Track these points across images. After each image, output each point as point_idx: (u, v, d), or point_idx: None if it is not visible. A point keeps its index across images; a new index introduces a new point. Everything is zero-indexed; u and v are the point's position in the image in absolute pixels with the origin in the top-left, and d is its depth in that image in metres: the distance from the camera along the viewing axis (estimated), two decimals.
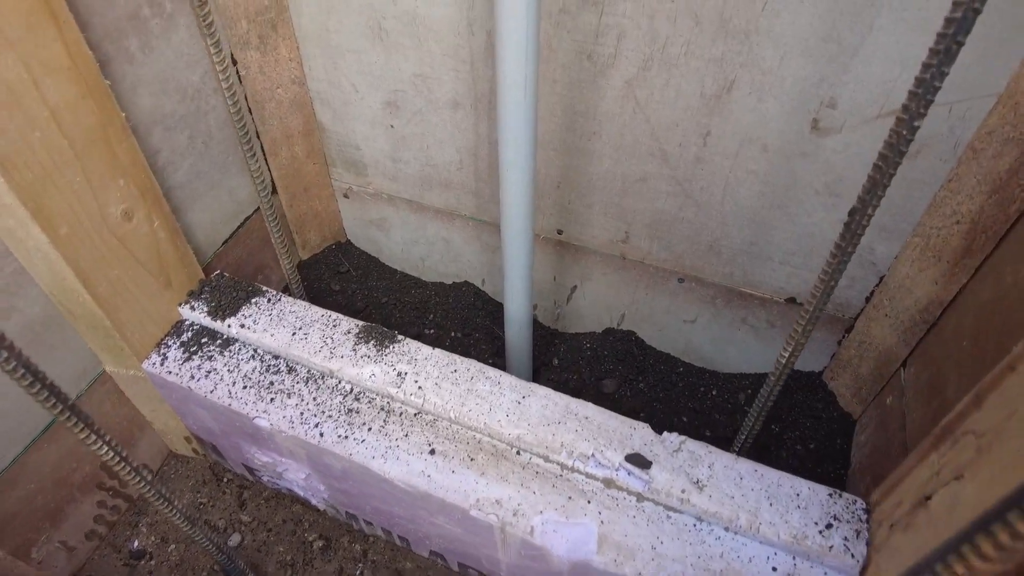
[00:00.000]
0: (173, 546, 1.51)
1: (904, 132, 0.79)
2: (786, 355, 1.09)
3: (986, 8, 0.95)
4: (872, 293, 1.39)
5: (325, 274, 1.93)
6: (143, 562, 1.49)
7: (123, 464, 1.02)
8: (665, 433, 1.18)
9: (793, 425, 1.59)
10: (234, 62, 1.47)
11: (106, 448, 0.97)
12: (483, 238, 1.74)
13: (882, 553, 1.00)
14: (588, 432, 1.17)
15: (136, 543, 1.51)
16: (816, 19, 1.07)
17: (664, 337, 1.75)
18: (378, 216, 1.84)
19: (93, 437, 0.94)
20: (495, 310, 1.89)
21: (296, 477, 1.43)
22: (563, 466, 1.16)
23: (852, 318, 1.46)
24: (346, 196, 1.82)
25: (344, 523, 1.55)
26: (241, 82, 1.50)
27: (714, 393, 1.71)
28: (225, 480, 1.63)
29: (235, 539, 1.53)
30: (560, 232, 1.60)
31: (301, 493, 1.50)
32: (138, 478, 1.04)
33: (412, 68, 1.43)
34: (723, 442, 1.62)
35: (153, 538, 1.52)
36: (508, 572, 1.27)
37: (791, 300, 1.49)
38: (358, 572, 1.48)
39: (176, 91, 1.35)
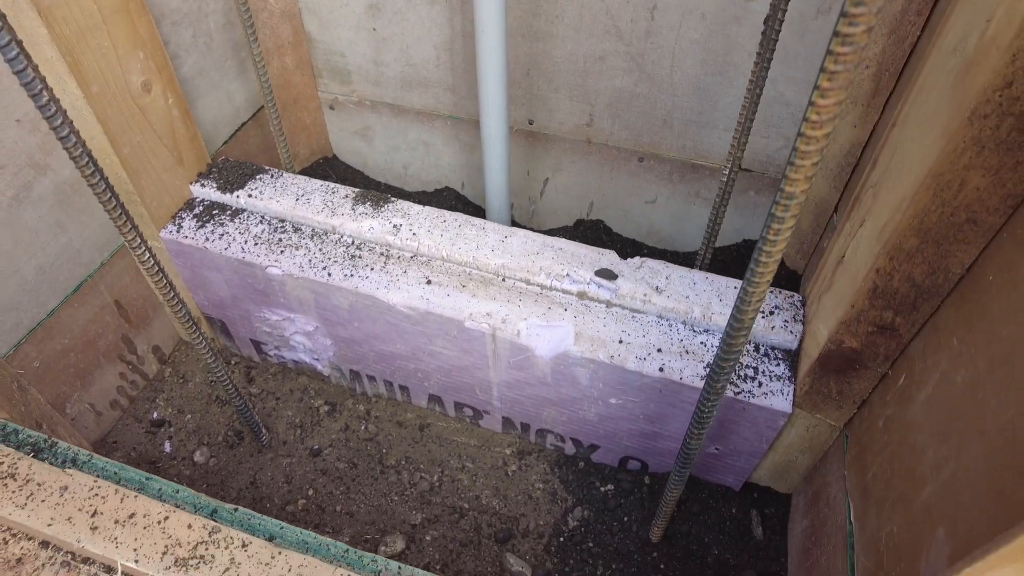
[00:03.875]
0: (189, 415, 1.65)
1: None
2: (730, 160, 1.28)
3: None
4: None
5: None
6: (163, 429, 1.62)
7: (171, 294, 1.18)
8: (629, 258, 1.36)
9: None
10: None
11: (160, 275, 1.14)
12: (461, 137, 1.91)
13: (813, 323, 1.20)
14: (563, 259, 1.35)
15: (155, 414, 1.65)
16: None
17: (628, 221, 1.94)
18: (362, 125, 2.00)
19: (151, 261, 1.11)
20: (476, 213, 2.05)
21: (303, 340, 1.58)
22: (542, 286, 1.33)
23: None
24: (332, 108, 1.98)
25: (348, 388, 1.70)
26: None
27: None
28: (233, 362, 1.78)
29: None
30: (531, 122, 1.78)
31: (307, 359, 1.65)
32: (181, 308, 1.20)
33: None
34: None
35: (171, 410, 1.66)
36: (499, 396, 1.45)
37: None
38: (362, 427, 1.63)
39: None
